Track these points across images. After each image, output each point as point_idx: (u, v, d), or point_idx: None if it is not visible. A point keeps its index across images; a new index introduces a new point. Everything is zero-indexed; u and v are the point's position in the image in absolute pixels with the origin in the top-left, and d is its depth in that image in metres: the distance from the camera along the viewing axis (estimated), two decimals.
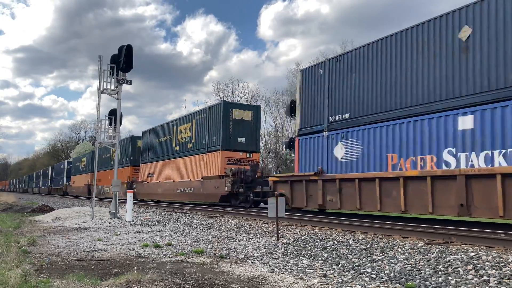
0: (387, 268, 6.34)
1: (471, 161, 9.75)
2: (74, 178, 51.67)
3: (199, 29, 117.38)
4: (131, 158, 33.25)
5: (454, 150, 10.10)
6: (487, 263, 5.94)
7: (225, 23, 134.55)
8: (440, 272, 5.85)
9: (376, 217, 13.12)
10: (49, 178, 67.87)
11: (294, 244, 8.68)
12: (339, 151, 13.45)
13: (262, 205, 19.25)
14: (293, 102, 17.78)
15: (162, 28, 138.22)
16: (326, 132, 14.01)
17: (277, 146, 51.79)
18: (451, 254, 6.61)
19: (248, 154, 21.03)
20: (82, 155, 51.50)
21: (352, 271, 6.31)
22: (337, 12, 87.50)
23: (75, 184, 50.72)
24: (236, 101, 49.37)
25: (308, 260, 7.25)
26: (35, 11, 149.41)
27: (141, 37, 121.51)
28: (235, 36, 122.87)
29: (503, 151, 9.20)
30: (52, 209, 22.37)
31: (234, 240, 9.68)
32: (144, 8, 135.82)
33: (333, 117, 13.88)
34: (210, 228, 12.11)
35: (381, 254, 7.22)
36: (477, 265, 5.92)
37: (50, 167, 70.20)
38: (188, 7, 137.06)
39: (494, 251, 6.67)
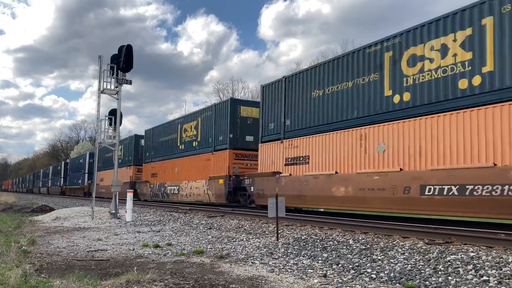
0: (387, 268, 6.34)
1: None
2: (103, 174, 38.02)
3: (200, 29, 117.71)
4: (230, 136, 19.47)
5: None
6: (487, 263, 5.94)
7: (226, 23, 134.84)
8: (440, 272, 5.85)
9: (376, 217, 13.11)
10: (62, 176, 57.02)
11: (294, 244, 8.67)
12: None
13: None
14: None
15: (163, 28, 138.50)
16: None
17: None
18: (451, 254, 6.61)
19: None
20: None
21: (352, 271, 6.31)
22: (338, 11, 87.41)
23: (105, 182, 37.73)
24: None
25: (308, 260, 7.25)
26: (36, 11, 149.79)
27: (142, 37, 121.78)
28: (236, 36, 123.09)
29: None
30: (52, 209, 22.35)
31: (234, 240, 9.68)
32: (145, 8, 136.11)
33: None
34: (210, 228, 12.11)
35: (381, 254, 7.22)
36: (477, 265, 5.92)
37: (63, 163, 59.92)
38: (189, 7, 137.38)
39: (494, 251, 6.67)
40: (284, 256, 7.63)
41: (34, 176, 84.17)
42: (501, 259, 6.06)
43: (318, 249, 8.09)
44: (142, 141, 30.33)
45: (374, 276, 5.98)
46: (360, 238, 8.71)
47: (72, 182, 50.31)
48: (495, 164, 9.25)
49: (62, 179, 57.03)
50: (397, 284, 5.56)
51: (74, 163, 51.06)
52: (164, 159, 25.92)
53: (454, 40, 10.36)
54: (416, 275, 5.82)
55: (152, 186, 26.75)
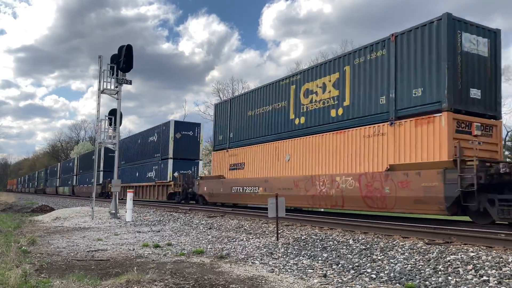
0: (387, 268, 6.34)
1: None
2: (241, 152, 18.22)
3: (201, 29, 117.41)
4: None
5: None
6: (487, 263, 5.93)
7: (228, 23, 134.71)
8: (440, 272, 5.85)
9: (376, 217, 13.11)
10: (101, 169, 35.25)
11: (294, 244, 8.67)
12: None
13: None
14: None
15: (164, 27, 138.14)
16: None
17: None
18: (451, 254, 6.61)
19: None
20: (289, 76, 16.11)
21: (352, 271, 6.31)
22: (340, 11, 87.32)
23: (250, 170, 17.66)
24: None
25: (308, 260, 7.25)
26: (37, 11, 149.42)
27: (143, 36, 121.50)
28: (237, 35, 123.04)
29: None
30: (52, 209, 22.36)
31: (234, 240, 9.68)
32: (147, 8, 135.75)
33: None
34: (210, 228, 12.11)
35: (381, 254, 7.22)
36: (477, 265, 5.92)
37: (102, 149, 30.54)
38: (190, 6, 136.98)
39: (494, 251, 6.67)
40: (284, 256, 7.63)
41: (47, 172, 63.85)
42: (501, 259, 6.06)
43: (318, 249, 8.09)
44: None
45: (374, 276, 5.98)
46: (360, 238, 8.71)
47: (131, 178, 29.54)
48: None
49: (102, 173, 35.64)
50: (397, 284, 5.57)
51: (133, 145, 29.78)
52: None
53: (329, 81, 13.81)
54: (416, 275, 5.83)
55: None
